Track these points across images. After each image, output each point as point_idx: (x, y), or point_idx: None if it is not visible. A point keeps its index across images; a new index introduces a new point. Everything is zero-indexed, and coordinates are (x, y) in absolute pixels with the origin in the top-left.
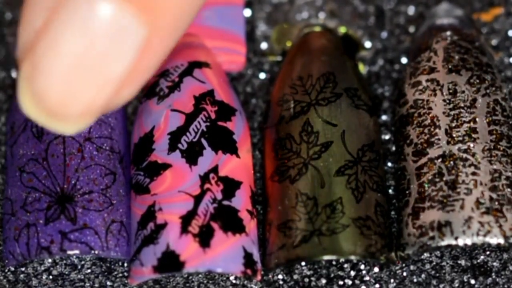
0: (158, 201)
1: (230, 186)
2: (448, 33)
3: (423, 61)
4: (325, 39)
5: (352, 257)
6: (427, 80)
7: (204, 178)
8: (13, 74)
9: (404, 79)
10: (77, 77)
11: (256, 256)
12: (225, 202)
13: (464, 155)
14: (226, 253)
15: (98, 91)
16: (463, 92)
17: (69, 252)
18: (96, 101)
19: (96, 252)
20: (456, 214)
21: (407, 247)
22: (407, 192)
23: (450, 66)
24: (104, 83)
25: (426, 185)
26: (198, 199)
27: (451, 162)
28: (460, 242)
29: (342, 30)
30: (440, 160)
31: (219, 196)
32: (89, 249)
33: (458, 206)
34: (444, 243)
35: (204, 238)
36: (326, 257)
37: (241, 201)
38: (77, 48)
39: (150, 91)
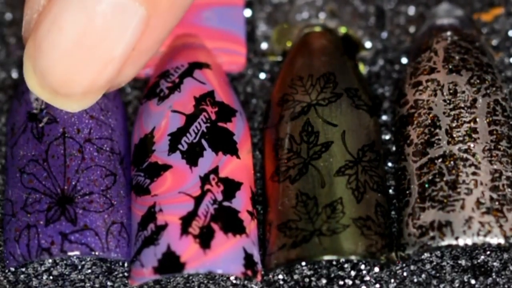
0: (158, 202)
1: (231, 187)
2: (449, 33)
3: (423, 61)
4: (325, 39)
5: (353, 257)
6: (427, 80)
7: (205, 179)
8: (14, 75)
9: (405, 79)
10: (78, 56)
11: (257, 257)
12: (226, 203)
13: (465, 155)
14: (227, 254)
15: (100, 69)
16: (464, 92)
17: (70, 253)
18: (98, 79)
19: (97, 253)
20: (456, 214)
21: (408, 247)
22: (407, 192)
23: (450, 66)
24: (106, 62)
25: (426, 185)
26: (198, 200)
27: (452, 162)
28: (461, 242)
29: (342, 30)
30: (440, 160)
31: (220, 197)
32: (89, 250)
33: (459, 206)
34: (444, 243)
35: (205, 239)
36: (327, 257)
37: (242, 202)
38: (78, 27)
39: (151, 92)
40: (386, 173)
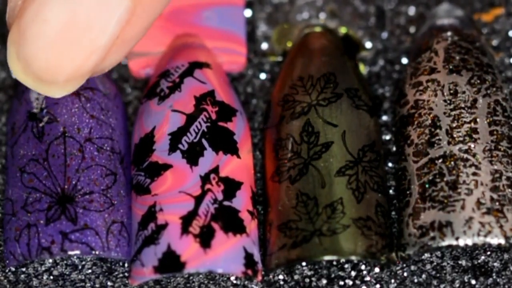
0: (158, 201)
1: (231, 186)
2: (449, 33)
3: (423, 61)
4: (325, 39)
5: (353, 258)
6: (427, 81)
7: (205, 179)
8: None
9: (405, 79)
10: (62, 45)
11: (257, 257)
12: (226, 203)
13: (465, 156)
14: (227, 254)
15: (84, 58)
16: (464, 92)
17: (70, 253)
18: (81, 68)
19: (97, 252)
20: (456, 215)
21: (408, 247)
22: (407, 192)
23: (450, 67)
24: (90, 51)
25: (426, 186)
26: (198, 199)
27: (452, 163)
28: (461, 242)
29: (342, 30)
30: (440, 160)
31: (220, 196)
32: (89, 249)
33: (459, 207)
34: (444, 243)
35: (205, 239)
36: (327, 258)
37: (242, 201)
38: (62, 16)
39: (151, 91)
40: (386, 173)
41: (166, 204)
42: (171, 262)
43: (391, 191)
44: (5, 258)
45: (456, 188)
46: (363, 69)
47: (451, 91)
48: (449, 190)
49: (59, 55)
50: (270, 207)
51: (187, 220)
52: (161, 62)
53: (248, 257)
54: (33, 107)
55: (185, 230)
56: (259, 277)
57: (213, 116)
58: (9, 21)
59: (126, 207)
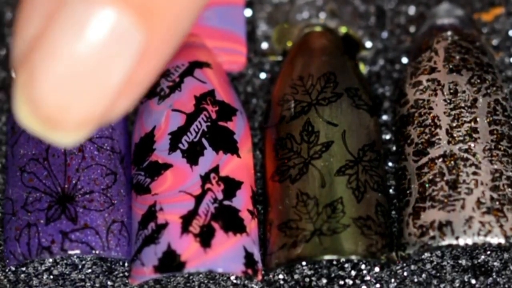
0: (159, 201)
1: (231, 186)
2: (449, 33)
3: (423, 61)
4: (325, 39)
5: (353, 257)
6: (427, 80)
7: (205, 178)
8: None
9: (405, 79)
10: (75, 84)
11: (257, 256)
12: (226, 202)
13: (465, 155)
14: (227, 253)
15: (96, 99)
16: (464, 92)
17: (70, 252)
18: (94, 110)
19: (97, 252)
20: (457, 214)
21: (408, 246)
22: (407, 192)
23: (451, 66)
24: (103, 90)
25: (426, 185)
26: (199, 199)
27: (452, 162)
28: (461, 242)
29: (342, 30)
30: (441, 160)
31: (220, 196)
32: (90, 249)
33: (459, 206)
34: (445, 243)
35: (205, 238)
36: (327, 257)
37: (242, 201)
38: (75, 54)
39: (151, 91)
40: (386, 173)
41: (166, 203)
42: (171, 262)
43: (391, 191)
44: (5, 258)
45: (456, 187)
46: (363, 68)
47: (451, 91)
48: (449, 190)
49: (70, 94)
50: (270, 207)
51: (187, 220)
52: None
53: (248, 257)
54: None
55: (185, 229)
56: (259, 277)
57: (213, 116)
58: (16, 65)
59: (126, 206)
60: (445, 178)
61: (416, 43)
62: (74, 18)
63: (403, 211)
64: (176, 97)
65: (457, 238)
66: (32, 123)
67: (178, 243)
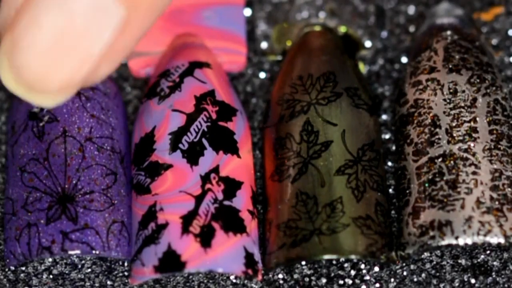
0: (159, 201)
1: (231, 186)
2: (449, 32)
3: (423, 60)
4: (325, 38)
5: (353, 257)
6: (427, 80)
7: (205, 178)
8: None
9: (405, 78)
10: (56, 54)
11: (257, 256)
12: (226, 202)
13: (465, 155)
14: (227, 253)
15: (76, 67)
16: (464, 91)
17: (70, 252)
18: (74, 77)
19: (97, 252)
20: (456, 214)
21: (408, 246)
22: (407, 191)
23: (450, 66)
24: (83, 60)
25: (426, 185)
26: (199, 199)
27: (452, 162)
28: (461, 241)
29: (342, 29)
30: (440, 159)
31: (220, 196)
32: (90, 249)
33: (459, 206)
34: (444, 242)
35: (205, 238)
36: (326, 257)
37: (242, 201)
38: (56, 25)
39: (151, 91)
40: (386, 173)
41: (167, 203)
42: (171, 262)
43: (390, 190)
44: (5, 258)
45: (455, 187)
46: (362, 68)
47: (451, 90)
48: (449, 189)
49: (52, 63)
50: (269, 206)
51: (187, 220)
52: (161, 61)
53: (249, 257)
54: (33, 106)
55: (185, 229)
56: (260, 277)
57: (213, 116)
58: (1, 32)
59: (127, 206)
60: (444, 178)
61: (416, 42)
62: None
63: (402, 211)
64: (176, 97)
65: (456, 238)
66: (15, 88)
67: (178, 243)
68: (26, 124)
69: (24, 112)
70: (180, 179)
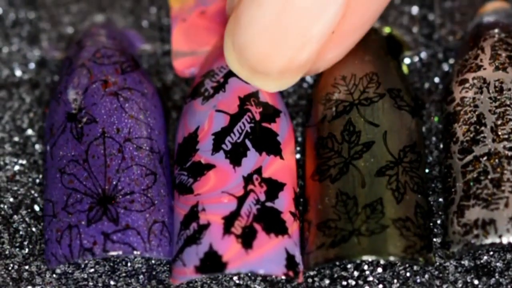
0: (201, 201)
1: (274, 187)
2: (496, 30)
3: (470, 58)
4: (369, 39)
5: (391, 258)
6: (473, 78)
7: (248, 179)
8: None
9: (452, 76)
10: (276, 33)
11: (298, 258)
12: (268, 204)
13: (510, 153)
14: (268, 255)
15: (297, 48)
16: (510, 89)
17: (112, 253)
18: (295, 58)
19: (139, 252)
20: (500, 213)
21: (452, 245)
22: (453, 190)
23: (496, 64)
24: (303, 41)
25: (471, 183)
26: (241, 200)
27: (496, 160)
28: (504, 240)
29: (386, 30)
30: (485, 158)
31: (262, 197)
32: (132, 249)
33: (503, 204)
34: (488, 241)
35: (247, 239)
36: (365, 257)
37: (284, 202)
38: (277, 4)
39: (195, 91)
40: (426, 174)
41: (209, 204)
42: (212, 262)
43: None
44: (46, 260)
45: (500, 186)
46: (406, 69)
47: (497, 89)
48: (493, 188)
49: (272, 42)
50: (309, 206)
51: (229, 221)
52: (205, 61)
53: (290, 259)
54: (71, 108)
55: (227, 230)
56: (301, 278)
57: (257, 117)
58: (228, 13)
59: (167, 206)
60: (489, 177)
61: (463, 40)
62: None
63: (448, 209)
64: (220, 98)
65: (500, 236)
66: (239, 69)
67: (220, 243)
68: (65, 126)
69: (62, 114)
70: (222, 180)
